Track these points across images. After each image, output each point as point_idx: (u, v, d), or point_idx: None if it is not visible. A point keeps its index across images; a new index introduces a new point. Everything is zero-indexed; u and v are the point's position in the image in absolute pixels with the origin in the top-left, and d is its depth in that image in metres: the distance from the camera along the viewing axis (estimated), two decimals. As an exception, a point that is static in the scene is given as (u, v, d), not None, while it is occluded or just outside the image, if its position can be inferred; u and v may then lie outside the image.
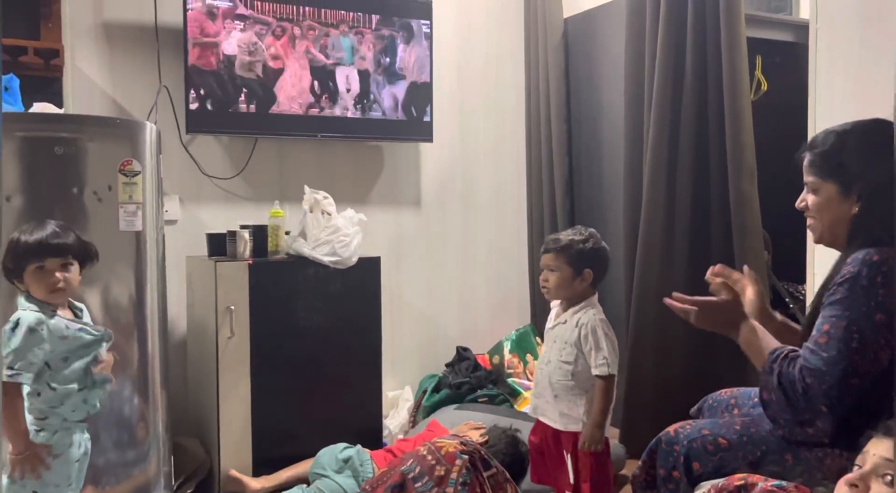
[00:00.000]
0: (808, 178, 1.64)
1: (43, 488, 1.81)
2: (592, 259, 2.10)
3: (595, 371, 2.02)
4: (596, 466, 2.02)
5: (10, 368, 1.73)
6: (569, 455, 2.05)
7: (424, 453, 1.33)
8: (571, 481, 2.06)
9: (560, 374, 2.07)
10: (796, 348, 1.56)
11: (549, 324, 2.20)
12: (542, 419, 2.15)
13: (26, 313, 1.78)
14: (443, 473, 1.30)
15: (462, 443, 1.35)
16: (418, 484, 1.29)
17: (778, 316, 1.89)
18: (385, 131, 3.39)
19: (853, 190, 1.55)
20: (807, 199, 1.65)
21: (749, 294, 1.84)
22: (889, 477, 1.14)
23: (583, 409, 2.05)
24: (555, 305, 2.22)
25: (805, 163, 1.65)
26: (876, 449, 1.19)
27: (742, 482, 1.34)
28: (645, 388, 2.90)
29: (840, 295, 1.47)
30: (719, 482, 1.37)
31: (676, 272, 2.92)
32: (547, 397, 2.11)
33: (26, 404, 1.80)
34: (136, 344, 2.52)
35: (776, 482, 1.33)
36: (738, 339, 1.65)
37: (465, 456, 1.33)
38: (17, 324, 1.76)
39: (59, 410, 1.83)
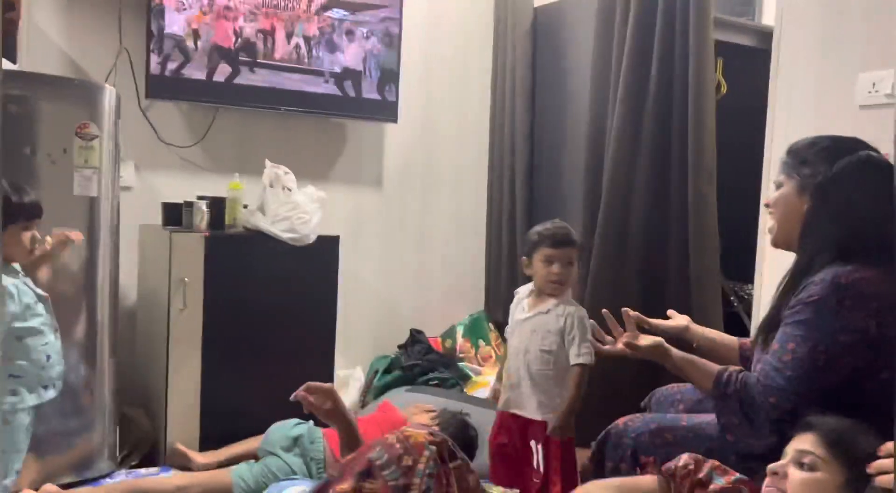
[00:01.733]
0: (778, 176, 1.69)
1: None
2: (581, 253, 2.19)
3: (578, 360, 2.05)
4: (566, 456, 2.05)
5: None
6: (540, 445, 2.06)
7: (392, 441, 1.34)
8: (541, 469, 2.06)
9: (540, 363, 2.08)
10: (741, 369, 1.62)
11: (520, 314, 2.18)
12: (516, 410, 2.13)
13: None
14: (410, 463, 1.31)
15: (431, 433, 1.36)
16: (385, 472, 1.29)
17: (708, 333, 2.01)
18: (350, 109, 3.36)
19: (808, 187, 1.60)
20: (773, 195, 1.70)
21: (677, 322, 1.99)
22: (804, 464, 1.27)
23: (559, 399, 2.07)
24: (522, 295, 2.22)
25: (780, 164, 1.71)
26: (793, 444, 1.32)
27: (691, 463, 1.40)
28: (596, 379, 2.93)
29: (806, 315, 1.50)
30: (669, 464, 1.43)
31: (631, 268, 2.97)
32: (523, 388, 2.11)
33: None
34: (85, 311, 2.47)
35: (720, 477, 1.38)
36: (672, 370, 1.74)
37: (434, 447, 1.34)
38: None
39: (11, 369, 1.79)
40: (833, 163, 1.56)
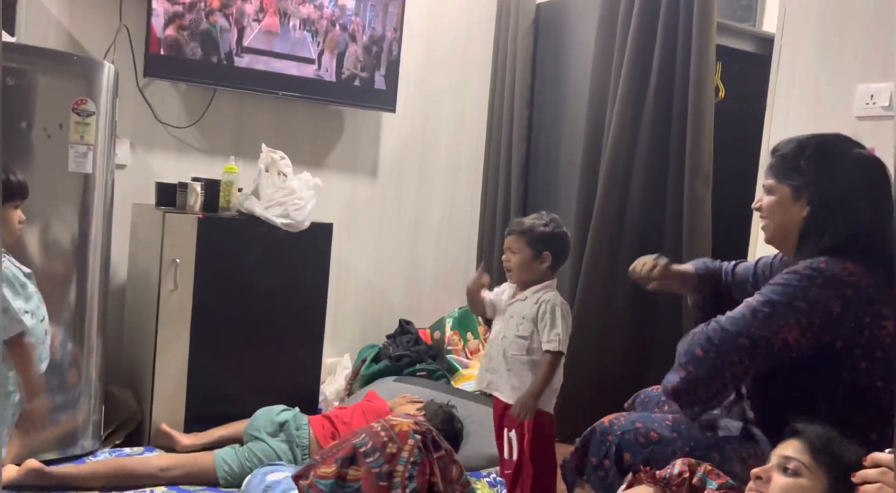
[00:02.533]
0: (766, 180, 1.68)
1: None
2: (551, 242, 2.16)
3: (546, 346, 2.08)
4: (538, 443, 2.07)
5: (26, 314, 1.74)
6: (512, 432, 2.09)
7: (378, 429, 1.34)
8: (506, 455, 2.12)
9: (515, 348, 2.12)
10: None
11: (504, 301, 2.25)
12: (494, 393, 2.20)
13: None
14: (394, 451, 1.32)
15: (416, 423, 1.37)
16: (369, 459, 1.30)
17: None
18: (348, 96, 3.36)
19: (804, 194, 1.60)
20: (762, 200, 1.70)
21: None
22: (787, 469, 1.28)
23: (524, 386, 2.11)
24: (509, 285, 2.27)
25: (766, 167, 1.70)
26: (778, 450, 1.33)
27: (686, 471, 1.40)
28: (582, 377, 2.97)
29: (775, 281, 1.53)
30: (664, 470, 1.43)
31: (624, 269, 2.96)
32: (500, 372, 2.16)
33: None
34: (74, 287, 2.46)
35: (713, 481, 1.39)
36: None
37: (418, 436, 1.34)
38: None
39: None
40: (825, 167, 1.56)
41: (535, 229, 2.16)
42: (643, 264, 1.94)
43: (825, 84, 2.49)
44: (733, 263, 1.98)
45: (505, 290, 2.27)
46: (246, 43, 3.06)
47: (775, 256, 1.83)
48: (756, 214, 2.30)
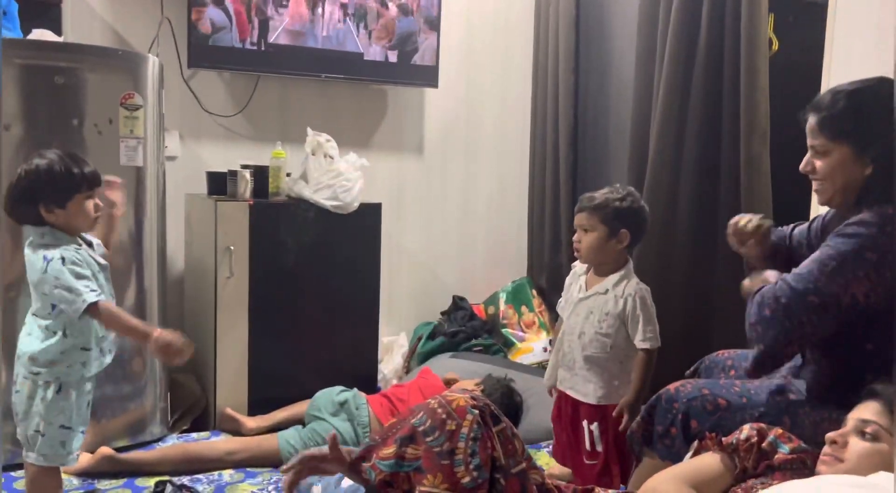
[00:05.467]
0: (815, 140, 1.58)
1: (68, 420, 1.83)
2: (629, 219, 1.99)
3: (642, 345, 1.96)
4: (622, 434, 1.98)
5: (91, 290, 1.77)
6: (594, 425, 2.01)
7: (435, 406, 1.32)
8: (588, 447, 2.02)
9: (597, 347, 2.00)
10: None
11: (576, 293, 2.10)
12: (570, 392, 2.08)
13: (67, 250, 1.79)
14: (454, 427, 1.29)
15: (473, 397, 1.35)
16: (429, 438, 1.28)
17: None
18: (391, 75, 3.33)
19: (867, 151, 1.51)
20: (813, 162, 1.60)
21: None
22: (865, 434, 1.23)
23: (618, 382, 2.01)
24: (579, 272, 2.14)
25: (812, 125, 1.59)
26: (856, 413, 1.28)
27: (754, 435, 1.36)
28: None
29: (845, 231, 1.47)
30: (730, 438, 1.39)
31: (680, 234, 2.90)
32: (578, 371, 2.05)
33: (50, 340, 1.80)
34: (134, 280, 2.51)
35: (785, 444, 1.34)
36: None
37: (476, 411, 1.32)
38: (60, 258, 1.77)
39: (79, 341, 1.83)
40: (883, 120, 1.45)
41: (609, 205, 1.99)
42: (748, 220, 1.79)
43: (886, 25, 2.35)
44: (791, 226, 1.89)
45: (573, 280, 2.15)
46: (287, 27, 3.06)
47: (827, 213, 1.74)
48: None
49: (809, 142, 1.61)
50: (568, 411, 2.11)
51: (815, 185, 1.64)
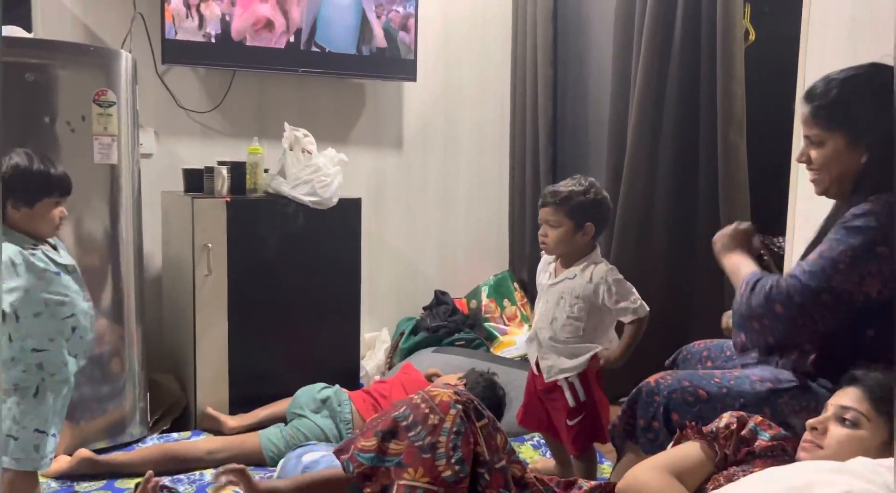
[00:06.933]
0: (810, 130, 1.57)
1: (43, 424, 1.80)
2: (594, 211, 2.00)
3: (630, 316, 1.98)
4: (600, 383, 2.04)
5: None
6: (576, 380, 2.03)
7: (418, 401, 1.32)
8: (570, 403, 2.02)
9: (569, 331, 2.01)
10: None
11: (546, 280, 2.11)
12: (544, 375, 2.09)
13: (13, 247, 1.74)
14: (436, 422, 1.29)
15: (456, 392, 1.34)
16: (411, 433, 1.28)
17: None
18: (368, 69, 3.31)
19: (863, 139, 1.51)
20: (808, 152, 1.59)
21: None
22: (845, 420, 1.24)
23: (584, 356, 2.03)
24: (549, 259, 2.15)
25: (805, 115, 1.58)
26: (836, 399, 1.29)
27: (734, 423, 1.36)
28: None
29: (851, 223, 1.45)
30: (711, 426, 1.40)
31: (658, 224, 2.92)
32: (549, 353, 2.06)
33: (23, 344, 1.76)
34: (110, 279, 2.48)
35: (766, 431, 1.35)
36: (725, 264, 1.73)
37: (460, 406, 1.31)
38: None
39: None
40: (878, 107, 1.44)
41: (574, 198, 1.98)
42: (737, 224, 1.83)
43: (862, 22, 2.37)
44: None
45: (543, 268, 2.15)
46: (262, 21, 3.02)
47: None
48: (795, 164, 2.20)
49: (804, 132, 1.60)
50: (540, 387, 2.12)
51: (810, 175, 1.62)
